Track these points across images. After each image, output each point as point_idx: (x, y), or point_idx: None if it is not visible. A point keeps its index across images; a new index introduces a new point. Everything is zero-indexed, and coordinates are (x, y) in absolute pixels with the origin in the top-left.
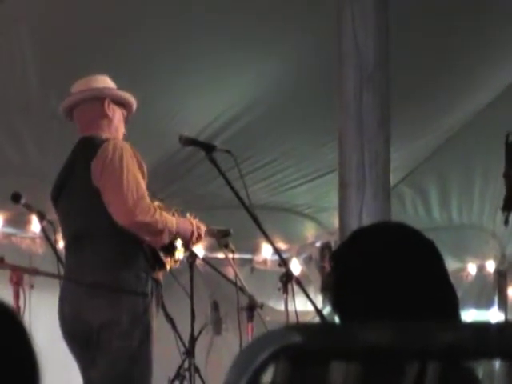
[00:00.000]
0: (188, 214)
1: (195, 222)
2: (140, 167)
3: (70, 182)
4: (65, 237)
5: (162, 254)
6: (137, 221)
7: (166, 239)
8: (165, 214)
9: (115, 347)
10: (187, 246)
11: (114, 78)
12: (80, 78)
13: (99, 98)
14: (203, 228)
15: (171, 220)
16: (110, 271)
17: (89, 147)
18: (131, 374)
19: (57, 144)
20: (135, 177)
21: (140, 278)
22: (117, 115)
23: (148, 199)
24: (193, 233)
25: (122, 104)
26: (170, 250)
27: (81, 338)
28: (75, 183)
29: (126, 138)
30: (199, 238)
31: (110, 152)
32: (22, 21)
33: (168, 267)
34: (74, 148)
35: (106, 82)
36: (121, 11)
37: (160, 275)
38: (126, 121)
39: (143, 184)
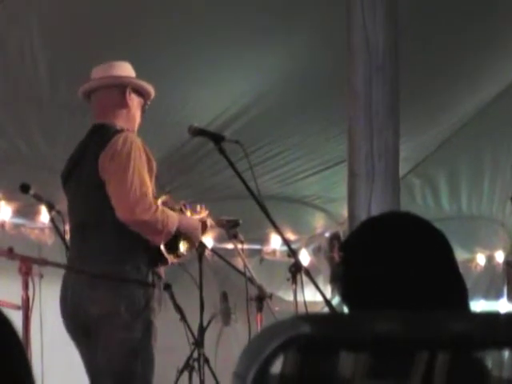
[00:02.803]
0: (198, 206)
1: (200, 217)
2: (149, 163)
3: (79, 169)
4: (70, 223)
5: (164, 249)
6: (136, 219)
7: (164, 239)
8: (168, 212)
9: (115, 338)
10: (192, 243)
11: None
12: (90, 69)
13: (120, 86)
14: (209, 223)
15: (173, 219)
16: (111, 263)
17: (100, 137)
18: (132, 365)
19: (66, 135)
20: (140, 173)
21: (141, 270)
22: (135, 104)
23: (150, 197)
24: (197, 230)
25: (140, 93)
26: (172, 247)
27: (81, 327)
28: (83, 171)
29: (138, 128)
30: (204, 231)
31: (119, 145)
32: (31, 12)
33: (170, 262)
34: (88, 133)
35: (127, 69)
36: (131, 2)
37: (161, 270)
38: (144, 110)
39: (148, 181)
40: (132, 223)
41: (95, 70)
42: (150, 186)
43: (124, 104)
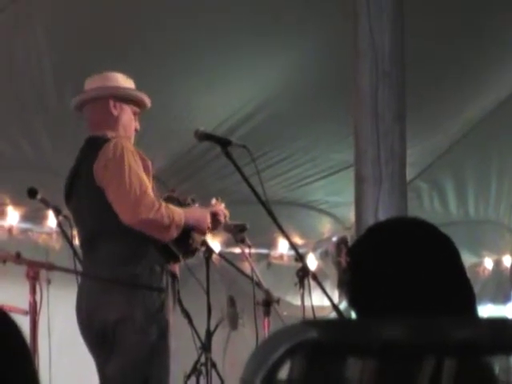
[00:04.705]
0: (214, 200)
1: (214, 208)
2: (143, 162)
3: (77, 183)
4: (79, 236)
5: (174, 247)
6: (141, 219)
7: (174, 233)
8: (171, 206)
9: (131, 343)
10: (203, 233)
11: (129, 76)
12: (95, 74)
13: (104, 97)
14: (223, 213)
15: (179, 212)
16: (125, 268)
17: (91, 149)
18: (148, 370)
19: (71, 140)
20: (137, 174)
21: (155, 272)
22: (125, 113)
23: (151, 195)
24: (204, 219)
25: (131, 101)
26: (183, 242)
27: (97, 334)
28: (81, 185)
29: (142, 134)
30: (217, 223)
31: (110, 151)
32: (37, 17)
33: (182, 259)
34: (81, 148)
35: (113, 79)
36: (136, 9)
37: (176, 268)
38: (139, 117)
39: (146, 180)
40: (137, 224)
41: (87, 82)
42: (149, 185)
43: (110, 114)
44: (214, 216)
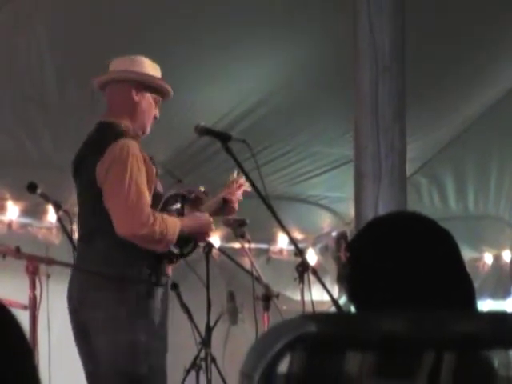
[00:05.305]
0: (235, 174)
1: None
2: (148, 169)
3: (80, 173)
4: (78, 224)
5: (173, 248)
6: (133, 233)
7: (165, 247)
8: (168, 220)
9: (116, 341)
10: (201, 240)
11: None
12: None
13: (127, 81)
14: (236, 199)
15: (173, 225)
16: (115, 265)
17: (99, 143)
18: (135, 368)
19: (73, 136)
20: (137, 184)
21: (144, 273)
22: (146, 100)
23: (147, 210)
24: (203, 227)
25: (153, 88)
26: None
27: (81, 329)
28: (83, 179)
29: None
30: (231, 210)
31: (116, 155)
32: (37, 14)
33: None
34: (92, 131)
35: (139, 64)
36: (136, 5)
37: (169, 269)
38: (160, 104)
39: (146, 192)
40: (130, 237)
41: (113, 62)
42: (147, 197)
43: (130, 100)
44: (227, 203)
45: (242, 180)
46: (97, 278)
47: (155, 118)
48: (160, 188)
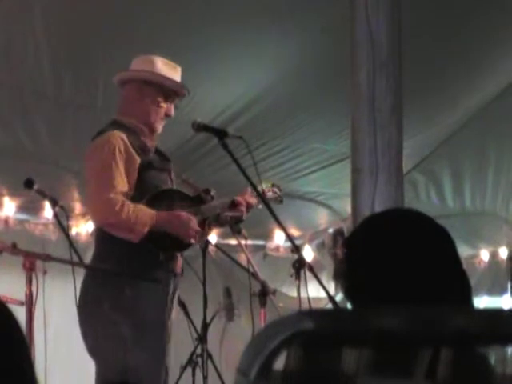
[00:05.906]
0: (249, 189)
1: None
2: (129, 158)
3: None
4: None
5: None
6: (102, 222)
7: (139, 235)
8: (141, 211)
9: (98, 333)
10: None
11: (127, 66)
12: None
13: (135, 81)
14: (245, 203)
15: (145, 219)
16: (107, 261)
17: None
18: (118, 358)
19: (70, 131)
20: (110, 173)
21: (134, 267)
22: (150, 99)
23: (118, 197)
24: (183, 227)
25: (162, 87)
26: (160, 244)
27: (81, 325)
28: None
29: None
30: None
31: (97, 146)
32: (35, 8)
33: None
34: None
35: (151, 64)
36: None
37: (178, 265)
38: (173, 102)
39: (117, 180)
40: (102, 227)
41: (132, 62)
42: (117, 187)
43: (135, 98)
44: (236, 205)
45: (253, 199)
46: (92, 273)
47: (167, 115)
48: (158, 181)
